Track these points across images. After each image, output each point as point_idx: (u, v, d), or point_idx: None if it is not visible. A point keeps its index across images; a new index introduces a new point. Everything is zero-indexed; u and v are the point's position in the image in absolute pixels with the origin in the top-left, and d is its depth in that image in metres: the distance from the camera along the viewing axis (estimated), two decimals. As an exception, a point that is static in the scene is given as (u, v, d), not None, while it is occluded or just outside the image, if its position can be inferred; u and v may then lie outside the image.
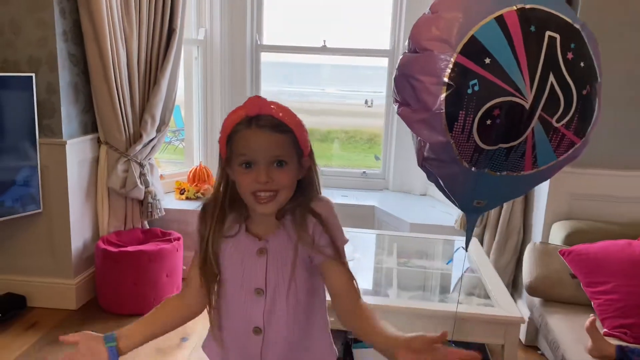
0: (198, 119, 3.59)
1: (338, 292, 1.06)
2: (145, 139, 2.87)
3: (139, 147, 2.86)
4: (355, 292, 1.05)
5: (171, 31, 2.89)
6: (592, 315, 1.84)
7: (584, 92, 1.17)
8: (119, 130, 2.79)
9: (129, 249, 2.70)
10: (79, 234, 2.77)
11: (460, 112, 1.12)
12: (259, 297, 1.06)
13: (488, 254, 2.66)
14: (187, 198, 3.25)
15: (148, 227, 3.01)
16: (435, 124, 1.15)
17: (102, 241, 2.76)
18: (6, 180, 2.47)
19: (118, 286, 2.68)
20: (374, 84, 5.13)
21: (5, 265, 2.71)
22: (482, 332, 1.82)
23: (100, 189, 2.87)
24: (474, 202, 1.30)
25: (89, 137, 2.82)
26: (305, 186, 1.07)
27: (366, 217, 3.22)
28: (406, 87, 1.21)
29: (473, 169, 1.20)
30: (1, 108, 2.42)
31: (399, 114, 1.29)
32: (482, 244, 2.71)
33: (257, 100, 1.02)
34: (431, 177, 1.37)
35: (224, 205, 1.08)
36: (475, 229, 2.47)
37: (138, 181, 2.87)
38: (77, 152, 2.71)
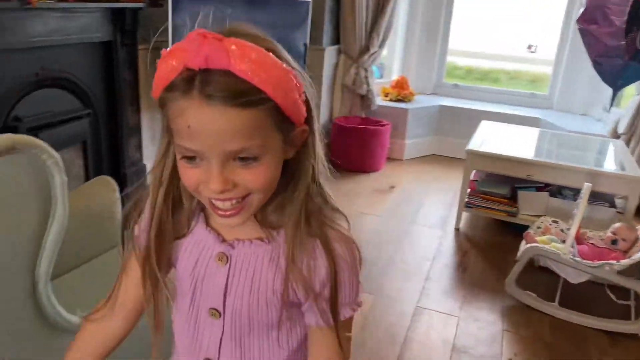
0: (400, 39, 4.64)
1: None
2: (371, 50, 4.01)
3: (365, 57, 4.01)
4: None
5: (398, -29, 3.93)
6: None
7: None
8: (354, 43, 3.96)
9: (356, 126, 3.93)
10: (323, 113, 4.05)
11: (633, 27, 2.06)
12: (213, 319, 0.73)
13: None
14: (390, 100, 4.39)
15: (364, 115, 4.22)
16: (618, 35, 2.09)
17: (337, 120, 4.02)
18: (288, 70, 3.77)
19: (347, 151, 3.94)
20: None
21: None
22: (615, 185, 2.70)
23: (338, 85, 4.10)
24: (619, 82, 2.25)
25: (335, 47, 4.03)
26: (297, 169, 0.68)
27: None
28: (597, 11, 2.15)
29: (631, 62, 2.13)
30: (287, 23, 3.69)
31: (586, 29, 2.23)
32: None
33: (201, 39, 0.56)
34: (603, 71, 2.31)
35: (169, 193, 0.70)
36: (623, 136, 3.30)
37: (363, 81, 4.05)
38: (327, 56, 3.94)
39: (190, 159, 0.61)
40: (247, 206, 0.64)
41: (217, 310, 0.71)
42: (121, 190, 2.53)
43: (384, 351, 2.02)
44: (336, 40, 4.05)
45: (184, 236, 0.72)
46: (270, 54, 0.58)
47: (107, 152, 2.89)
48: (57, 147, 2.25)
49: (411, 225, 3.13)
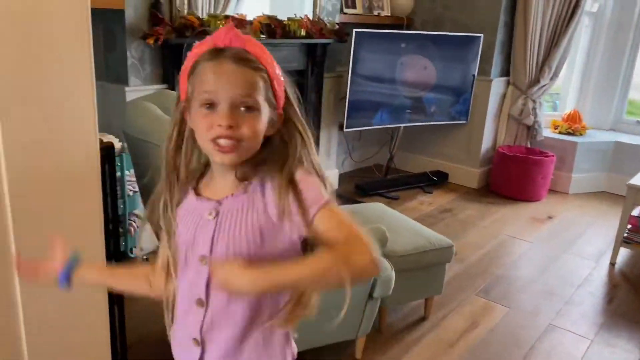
0: (577, 73, 4.58)
1: (330, 238, 0.83)
2: (542, 83, 4.08)
3: (535, 89, 4.09)
4: (345, 233, 0.82)
5: (576, 6, 3.96)
6: None
7: None
8: (524, 76, 4.07)
9: (519, 154, 4.02)
10: (486, 141, 4.22)
11: None
12: (203, 265, 0.87)
13: None
14: (559, 132, 4.36)
15: (529, 146, 4.26)
16: None
17: (500, 148, 4.15)
18: (454, 99, 4.05)
19: (507, 178, 4.03)
20: None
21: (438, 153, 4.38)
22: None
23: (504, 114, 4.24)
24: None
25: (503, 78, 4.19)
26: (278, 146, 0.87)
27: None
28: None
29: None
30: (460, 55, 3.97)
31: None
32: None
33: (228, 30, 0.83)
34: None
35: (176, 162, 0.90)
36: None
37: (530, 112, 4.13)
38: (494, 87, 4.11)
39: (209, 106, 0.81)
40: (238, 149, 0.83)
41: (205, 256, 0.86)
42: None
43: (507, 354, 2.18)
44: (506, 71, 4.20)
45: (178, 206, 0.91)
46: (264, 46, 0.85)
47: (291, 159, 3.51)
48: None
49: (562, 253, 3.14)
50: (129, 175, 2.40)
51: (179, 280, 0.92)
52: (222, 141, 0.81)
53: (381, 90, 3.79)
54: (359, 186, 3.98)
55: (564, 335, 2.32)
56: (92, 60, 1.25)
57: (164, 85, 2.59)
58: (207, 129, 0.81)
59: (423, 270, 2.23)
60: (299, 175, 0.84)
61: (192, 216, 0.89)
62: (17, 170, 1.19)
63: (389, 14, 4.16)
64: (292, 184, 0.84)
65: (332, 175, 4.00)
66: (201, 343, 0.90)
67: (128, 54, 2.47)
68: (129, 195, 2.44)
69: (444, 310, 2.44)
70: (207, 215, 0.87)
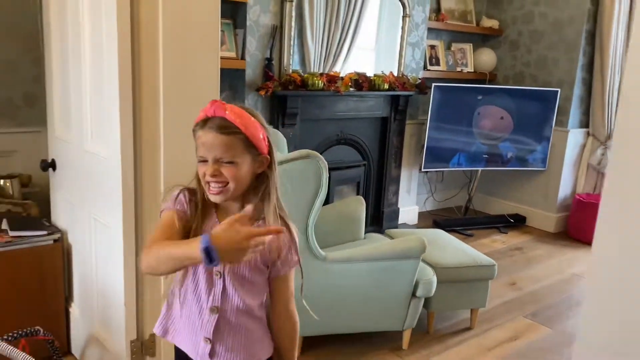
0: None
1: (277, 300, 1.25)
2: (621, 134, 4.26)
3: (614, 140, 4.28)
4: (287, 306, 1.25)
5: None
6: None
7: None
8: (603, 127, 4.29)
9: (596, 202, 4.19)
10: (564, 187, 4.44)
11: None
12: (218, 279, 1.17)
13: None
14: (642, 182, 4.44)
15: (609, 194, 4.40)
16: None
17: (578, 195, 4.34)
18: (530, 147, 4.37)
19: (583, 224, 4.21)
20: None
21: (516, 197, 4.66)
22: None
23: (584, 163, 4.46)
24: None
25: (581, 130, 4.43)
26: (262, 180, 1.17)
27: None
28: None
29: None
30: (537, 107, 4.32)
31: None
32: None
33: (214, 103, 1.11)
34: None
35: (201, 191, 1.17)
36: None
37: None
38: (572, 137, 4.37)
39: (202, 161, 1.12)
40: (225, 191, 1.12)
41: (220, 272, 1.16)
42: (379, 224, 3.70)
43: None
44: (584, 123, 4.44)
45: (205, 222, 1.18)
46: (246, 113, 1.12)
47: (373, 193, 4.06)
48: (341, 181, 3.51)
49: (624, 293, 3.29)
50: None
51: (190, 282, 1.19)
52: (212, 185, 1.12)
53: (458, 137, 4.25)
54: (436, 222, 4.39)
55: None
56: None
57: (270, 126, 3.32)
58: (202, 176, 1.13)
59: (466, 283, 2.63)
60: (291, 232, 1.21)
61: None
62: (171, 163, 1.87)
63: (472, 70, 4.64)
64: (280, 238, 1.16)
65: (412, 211, 4.48)
66: (212, 341, 1.19)
67: (246, 102, 3.23)
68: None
69: (489, 324, 2.78)
70: None
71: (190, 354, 1.23)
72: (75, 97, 1.98)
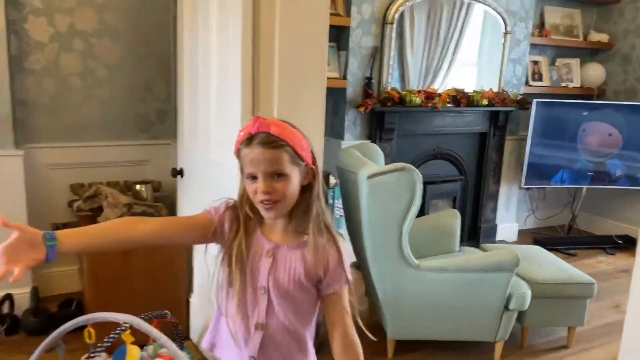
0: None
1: (331, 324, 1.17)
2: None
3: None
4: (343, 332, 1.15)
5: None
6: None
7: None
8: None
9: None
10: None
11: None
12: (263, 295, 1.15)
13: None
14: None
15: None
16: None
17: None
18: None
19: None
20: None
21: (626, 217, 4.41)
22: None
23: None
24: None
25: None
26: (309, 190, 1.14)
27: None
28: None
29: None
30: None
31: None
32: None
33: (256, 120, 1.09)
34: None
35: (244, 209, 1.16)
36: None
37: None
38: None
39: (252, 178, 1.10)
40: (277, 207, 1.11)
41: (265, 288, 1.14)
42: (476, 239, 3.73)
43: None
44: None
45: (251, 240, 1.16)
46: (288, 125, 1.12)
47: (470, 208, 4.08)
48: (436, 195, 3.60)
49: None
50: (338, 203, 3.32)
51: (236, 297, 1.15)
52: (265, 203, 1.10)
53: (561, 154, 4.14)
54: (537, 240, 4.29)
55: None
56: (323, 121, 2.13)
57: (368, 140, 3.50)
58: (253, 194, 1.12)
59: (563, 300, 2.60)
60: (337, 248, 1.15)
61: (255, 251, 1.16)
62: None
63: (579, 86, 4.50)
64: (326, 252, 1.13)
65: (511, 228, 4.41)
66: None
67: (346, 118, 3.45)
68: (337, 217, 3.36)
69: (587, 344, 2.72)
70: (265, 253, 1.16)
71: None
72: (202, 114, 2.29)
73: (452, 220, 2.99)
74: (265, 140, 1.08)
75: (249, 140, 1.10)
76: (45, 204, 2.82)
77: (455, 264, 2.42)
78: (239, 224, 1.17)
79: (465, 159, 3.99)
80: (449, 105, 3.67)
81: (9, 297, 2.62)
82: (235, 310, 1.17)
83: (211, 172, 2.23)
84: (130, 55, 2.93)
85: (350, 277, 1.17)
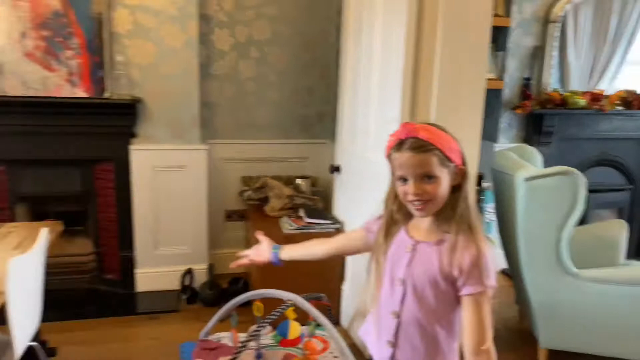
0: None
1: (464, 327, 1.14)
2: None
3: None
4: (474, 338, 1.11)
5: None
6: None
7: None
8: None
9: None
10: None
11: None
12: (399, 286, 1.21)
13: None
14: None
15: None
16: None
17: None
18: None
19: None
20: None
21: None
22: None
23: None
24: None
25: None
26: (458, 190, 1.17)
27: None
28: None
29: None
30: None
31: None
32: None
33: (406, 126, 1.15)
34: None
35: (390, 207, 1.25)
36: None
37: None
38: None
39: (403, 180, 1.16)
40: (428, 207, 1.16)
41: (402, 279, 1.21)
42: None
43: None
44: None
45: (393, 237, 1.26)
46: (437, 129, 1.16)
47: (638, 219, 3.72)
48: (600, 205, 3.37)
49: None
50: (489, 207, 3.27)
51: (381, 291, 1.26)
52: (416, 203, 1.16)
53: None
54: None
55: None
56: (481, 124, 2.14)
57: (523, 143, 3.38)
58: (403, 195, 1.18)
59: None
60: (478, 248, 1.13)
61: (398, 247, 1.24)
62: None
63: None
64: (464, 251, 1.13)
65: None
66: (393, 345, 1.23)
67: (500, 120, 3.38)
68: (487, 222, 3.31)
69: None
70: (406, 248, 1.22)
71: (375, 357, 1.29)
72: (361, 115, 2.45)
73: (617, 231, 2.77)
74: (414, 145, 1.13)
75: (399, 145, 1.15)
76: (221, 192, 3.22)
77: (622, 276, 2.26)
78: (387, 224, 1.27)
79: (635, 166, 3.65)
80: (617, 107, 3.40)
81: (189, 271, 3.04)
82: (377, 298, 1.27)
83: (367, 169, 2.37)
84: (296, 61, 3.21)
85: (492, 281, 1.13)
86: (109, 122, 2.79)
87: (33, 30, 2.59)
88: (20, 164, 2.77)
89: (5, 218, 2.70)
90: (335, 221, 2.72)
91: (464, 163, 1.19)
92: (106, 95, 2.72)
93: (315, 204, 2.97)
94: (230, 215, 3.31)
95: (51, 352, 2.08)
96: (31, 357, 1.77)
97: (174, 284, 3.03)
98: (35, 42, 2.60)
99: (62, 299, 2.73)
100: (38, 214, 2.81)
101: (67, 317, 2.66)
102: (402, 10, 1.99)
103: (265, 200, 2.99)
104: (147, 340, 2.56)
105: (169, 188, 2.95)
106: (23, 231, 1.97)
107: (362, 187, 2.46)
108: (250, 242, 2.98)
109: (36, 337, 1.80)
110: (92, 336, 2.57)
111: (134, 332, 2.66)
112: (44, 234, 1.73)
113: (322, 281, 2.65)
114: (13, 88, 2.61)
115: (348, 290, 2.68)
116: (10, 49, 2.58)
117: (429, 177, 1.13)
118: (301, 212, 2.76)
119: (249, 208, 3.10)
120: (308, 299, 2.52)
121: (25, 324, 1.62)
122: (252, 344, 1.54)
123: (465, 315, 1.14)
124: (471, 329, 1.12)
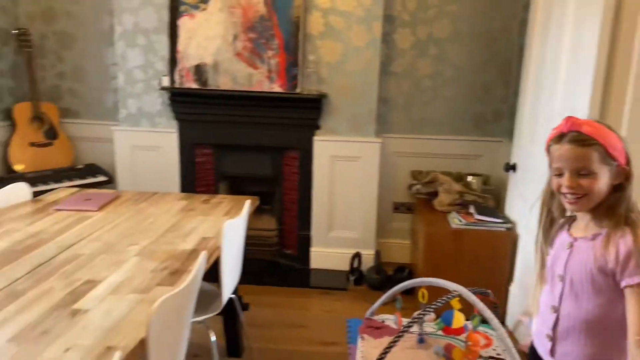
0: None
1: (627, 320, 1.10)
2: None
3: None
4: (637, 330, 1.07)
5: None
6: None
7: None
8: None
9: None
10: None
11: None
12: (559, 282, 1.22)
13: None
14: None
15: None
16: None
17: None
18: None
19: None
20: None
21: None
22: None
23: None
24: None
25: None
26: (620, 190, 1.14)
27: None
28: None
29: None
30: None
31: None
32: None
33: (569, 119, 1.15)
34: None
35: (547, 203, 1.27)
36: None
37: None
38: None
39: (558, 174, 1.18)
40: (581, 202, 1.16)
41: (561, 276, 1.22)
42: None
43: None
44: None
45: (555, 237, 1.28)
46: (602, 125, 1.16)
47: None
48: None
49: None
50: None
51: (543, 288, 1.30)
52: (569, 196, 1.17)
53: None
54: None
55: None
56: None
57: None
58: (557, 189, 1.20)
59: None
60: (634, 239, 1.10)
61: (560, 245, 1.26)
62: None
63: None
64: (620, 241, 1.11)
65: None
66: (552, 339, 1.25)
67: None
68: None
69: None
70: (565, 246, 1.24)
71: (538, 349, 1.31)
72: (544, 113, 2.40)
73: None
74: (575, 138, 1.13)
75: (559, 137, 1.17)
76: (390, 185, 3.38)
77: None
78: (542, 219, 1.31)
79: None
80: None
81: (358, 255, 3.26)
82: (540, 294, 1.31)
83: (546, 170, 2.32)
84: (474, 58, 3.22)
85: None
86: (299, 114, 3.12)
87: (243, 33, 3.01)
88: (224, 148, 3.25)
89: (211, 192, 3.20)
90: (507, 220, 2.70)
91: (628, 163, 1.16)
92: (298, 90, 3.05)
93: (486, 202, 2.97)
94: (398, 207, 3.45)
95: (245, 307, 2.44)
96: (230, 307, 2.13)
97: (343, 264, 3.28)
98: (244, 43, 3.02)
99: (249, 267, 3.14)
100: (236, 192, 3.27)
101: (253, 281, 3.05)
102: (597, 1, 1.91)
103: (433, 194, 3.07)
104: (320, 312, 2.84)
105: (344, 177, 3.20)
106: (230, 202, 2.34)
107: (539, 188, 2.40)
108: (415, 235, 3.10)
109: (235, 292, 2.14)
110: (274, 301, 2.93)
111: (309, 302, 2.96)
112: (247, 206, 2.06)
113: (488, 278, 2.66)
114: (224, 84, 3.07)
115: (516, 291, 2.64)
116: (225, 50, 3.04)
117: (586, 172, 1.13)
118: (471, 209, 2.79)
119: (416, 201, 3.20)
120: (474, 293, 2.57)
121: (230, 278, 1.95)
122: (415, 328, 1.63)
123: (627, 307, 1.11)
124: (631, 323, 1.09)
